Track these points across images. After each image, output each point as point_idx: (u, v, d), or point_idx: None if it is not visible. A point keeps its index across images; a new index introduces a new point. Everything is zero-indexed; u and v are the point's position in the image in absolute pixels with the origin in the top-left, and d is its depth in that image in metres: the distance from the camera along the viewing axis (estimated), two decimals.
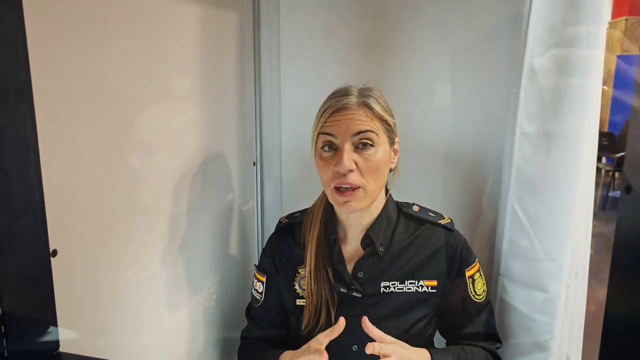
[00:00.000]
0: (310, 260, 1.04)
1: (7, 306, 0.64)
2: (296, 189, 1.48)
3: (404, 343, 1.00)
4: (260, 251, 1.47)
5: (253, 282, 1.17)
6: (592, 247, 4.25)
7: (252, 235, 1.47)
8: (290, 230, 1.14)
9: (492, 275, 1.25)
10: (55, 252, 0.71)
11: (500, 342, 1.15)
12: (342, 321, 0.94)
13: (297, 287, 1.08)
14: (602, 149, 6.26)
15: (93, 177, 0.81)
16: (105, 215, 0.84)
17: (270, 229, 1.47)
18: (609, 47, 8.42)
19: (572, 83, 1.05)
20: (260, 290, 1.15)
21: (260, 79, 1.41)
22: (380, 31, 1.35)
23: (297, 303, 1.07)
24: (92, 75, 0.79)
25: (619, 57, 7.02)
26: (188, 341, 1.14)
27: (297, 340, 1.05)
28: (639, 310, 0.48)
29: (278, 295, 1.13)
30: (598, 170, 6.63)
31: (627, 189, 0.48)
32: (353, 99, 0.97)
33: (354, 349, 1.02)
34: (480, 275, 1.12)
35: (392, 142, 1.02)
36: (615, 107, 7.08)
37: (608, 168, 6.12)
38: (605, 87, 8.50)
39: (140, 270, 0.96)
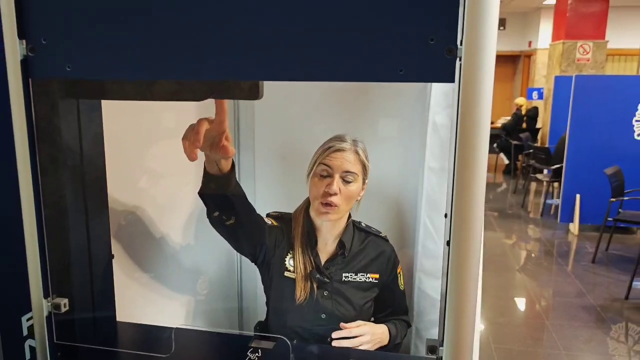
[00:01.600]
0: (297, 247, 1.45)
1: (91, 289, 1.03)
2: (266, 205, 1.89)
3: (368, 322, 1.43)
4: (240, 257, 1.87)
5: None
6: (534, 250, 4.96)
7: None
8: (285, 219, 1.51)
9: (411, 271, 1.69)
10: (113, 256, 1.11)
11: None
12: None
13: (287, 263, 1.46)
14: (541, 162, 6.89)
15: (129, 207, 1.20)
16: (135, 233, 1.24)
17: None
18: (550, 67, 9.15)
19: None
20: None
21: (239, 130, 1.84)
22: (328, 86, 1.78)
23: (285, 274, 1.46)
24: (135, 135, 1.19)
25: (556, 77, 7.70)
26: (188, 314, 1.54)
27: (283, 307, 1.45)
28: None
29: (260, 233, 1.43)
30: (540, 181, 7.28)
31: (445, 215, 0.91)
32: (348, 145, 1.41)
33: (322, 317, 1.44)
34: (402, 272, 1.57)
35: (364, 182, 1.46)
36: (554, 122, 7.74)
37: (546, 179, 6.75)
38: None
39: (155, 269, 1.36)
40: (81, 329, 0.98)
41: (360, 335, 1.36)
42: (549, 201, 6.86)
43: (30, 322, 1.13)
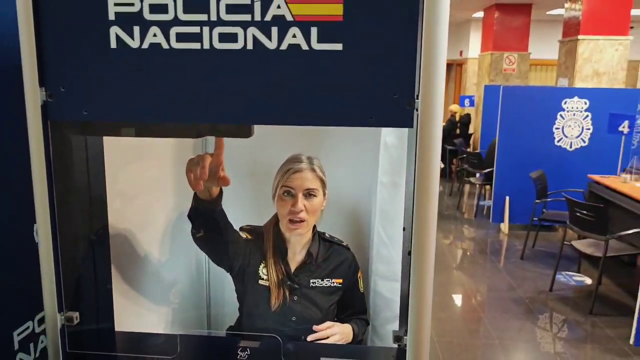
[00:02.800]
0: (269, 258, 1.60)
1: (96, 303, 1.15)
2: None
3: (336, 323, 1.61)
4: (208, 268, 2.00)
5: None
6: (469, 249, 5.38)
7: (201, 258, 2.00)
8: (258, 233, 1.66)
9: (368, 275, 1.89)
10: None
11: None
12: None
13: (260, 272, 1.62)
14: (474, 166, 7.36)
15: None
16: (121, 254, 1.36)
17: None
18: (480, 76, 9.73)
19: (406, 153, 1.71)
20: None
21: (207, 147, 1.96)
22: None
23: (259, 282, 1.61)
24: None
25: (485, 86, 8.23)
26: (163, 321, 1.67)
27: (257, 312, 1.59)
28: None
29: (237, 247, 1.57)
30: (473, 184, 7.76)
31: (404, 229, 1.11)
32: (305, 165, 1.57)
33: (292, 319, 1.60)
34: (362, 276, 1.77)
35: (324, 194, 1.63)
36: (485, 129, 8.26)
37: (479, 182, 7.22)
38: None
39: (131, 282, 1.48)
40: (88, 338, 1.10)
41: (333, 335, 1.54)
42: (481, 203, 7.33)
43: (21, 336, 1.24)
